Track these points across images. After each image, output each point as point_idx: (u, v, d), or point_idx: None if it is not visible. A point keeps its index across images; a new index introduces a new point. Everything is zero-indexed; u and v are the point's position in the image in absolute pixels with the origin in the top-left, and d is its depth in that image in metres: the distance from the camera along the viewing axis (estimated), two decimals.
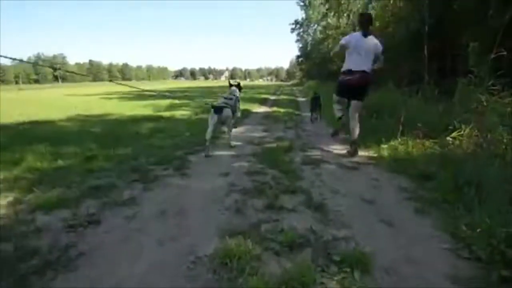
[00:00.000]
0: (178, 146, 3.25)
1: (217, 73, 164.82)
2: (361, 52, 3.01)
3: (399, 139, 3.39)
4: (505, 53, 3.27)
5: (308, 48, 33.11)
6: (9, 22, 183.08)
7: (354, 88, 3.11)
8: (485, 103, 3.14)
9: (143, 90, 3.34)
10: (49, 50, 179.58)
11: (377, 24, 13.82)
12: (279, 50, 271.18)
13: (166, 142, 3.42)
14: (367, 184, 2.21)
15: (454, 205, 1.79)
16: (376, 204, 1.85)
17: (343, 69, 3.21)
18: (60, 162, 2.44)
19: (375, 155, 3.18)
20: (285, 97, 13.55)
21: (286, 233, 1.41)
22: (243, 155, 2.98)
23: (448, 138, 3.10)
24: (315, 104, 5.38)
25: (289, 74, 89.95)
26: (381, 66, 3.27)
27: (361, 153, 3.29)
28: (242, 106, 7.35)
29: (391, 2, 12.65)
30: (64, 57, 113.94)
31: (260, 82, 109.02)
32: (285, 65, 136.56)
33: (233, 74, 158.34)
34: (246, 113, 6.64)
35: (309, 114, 5.90)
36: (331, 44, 24.27)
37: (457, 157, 2.52)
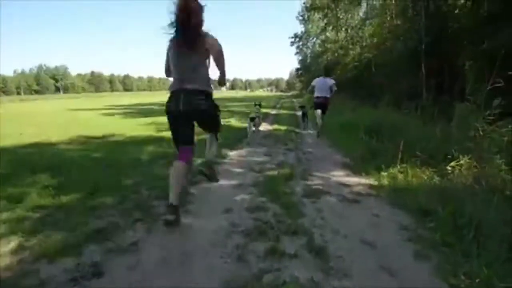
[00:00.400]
0: None
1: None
2: (322, 87, 5.75)
3: (399, 167, 3.42)
4: (502, 84, 3.33)
5: (308, 61, 33.65)
6: (10, 33, 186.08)
7: (321, 104, 5.85)
8: (481, 133, 3.20)
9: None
10: (51, 61, 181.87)
11: (375, 40, 14.10)
12: (279, 61, 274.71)
13: (167, 170, 3.45)
14: (368, 222, 2.22)
15: (453, 248, 1.80)
16: (377, 247, 1.86)
17: (315, 95, 5.88)
18: (63, 198, 2.46)
19: (376, 183, 3.21)
20: (285, 111, 13.68)
21: (288, 286, 1.43)
22: (245, 185, 3.01)
23: (447, 167, 3.14)
24: (304, 115, 7.91)
25: (289, 85, 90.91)
26: (336, 89, 5.95)
27: (362, 180, 3.33)
28: (243, 123, 7.48)
29: (388, 19, 12.96)
30: (66, 69, 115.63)
31: (260, 92, 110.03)
32: (285, 75, 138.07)
33: (233, 84, 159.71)
34: (245, 132, 6.68)
35: (308, 131, 7.37)
36: (330, 57, 24.72)
37: (456, 191, 2.54)
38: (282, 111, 13.70)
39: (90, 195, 2.57)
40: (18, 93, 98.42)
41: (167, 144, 4.99)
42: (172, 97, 2.19)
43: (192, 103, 2.14)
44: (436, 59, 8.62)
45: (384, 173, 3.36)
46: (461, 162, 3.03)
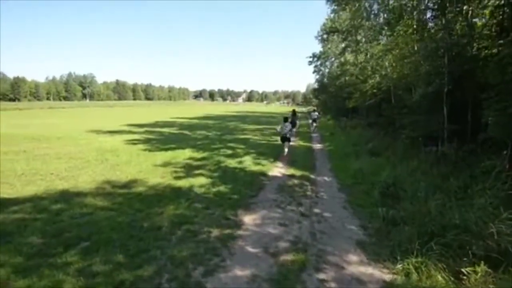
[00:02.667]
0: (197, 257, 3.44)
1: (234, 95, 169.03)
2: (313, 115, 21.22)
3: (414, 260, 3.41)
4: None
5: (325, 80, 33.64)
6: (43, 42, 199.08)
7: (314, 120, 20.21)
8: (495, 236, 3.17)
9: None
10: (80, 70, 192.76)
11: (394, 76, 13.99)
12: (296, 73, 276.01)
13: (186, 247, 3.64)
14: None
15: None
16: None
17: (312, 118, 20.93)
18: None
19: (389, 278, 3.24)
20: (302, 143, 13.71)
21: None
22: (259, 278, 3.11)
23: (463, 270, 3.11)
24: (314, 120, 20.13)
25: (306, 99, 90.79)
26: (319, 116, 25.29)
27: (376, 272, 3.37)
28: (263, 165, 7.74)
29: (410, 52, 12.82)
30: (93, 77, 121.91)
31: (276, 106, 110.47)
32: (302, 88, 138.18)
33: (250, 96, 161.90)
34: (260, 181, 6.85)
35: (324, 178, 7.59)
36: (348, 78, 24.64)
37: None
38: (298, 143, 13.75)
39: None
40: (48, 99, 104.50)
41: (184, 201, 5.22)
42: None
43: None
44: (458, 105, 8.46)
45: (399, 266, 3.38)
46: (478, 269, 3.00)
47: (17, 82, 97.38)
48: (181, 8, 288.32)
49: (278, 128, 10.15)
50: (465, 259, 3.20)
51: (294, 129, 13.52)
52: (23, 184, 6.12)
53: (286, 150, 9.79)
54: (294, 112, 15.55)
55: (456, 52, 8.92)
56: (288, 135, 9.74)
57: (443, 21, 9.47)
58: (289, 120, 10.72)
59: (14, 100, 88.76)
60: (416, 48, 11.90)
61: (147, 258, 3.35)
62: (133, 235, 3.90)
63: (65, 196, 5.35)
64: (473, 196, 4.86)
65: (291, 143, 11.35)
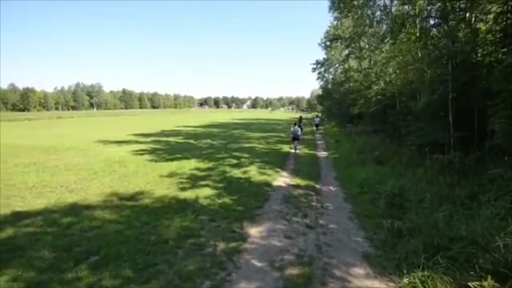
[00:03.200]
0: (203, 271, 3.49)
1: (239, 102, 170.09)
2: (316, 121, 31.53)
3: (420, 274, 3.40)
4: None
5: (329, 86, 33.72)
6: (50, 51, 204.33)
7: (317, 125, 29.74)
8: (502, 250, 3.15)
9: None
10: (87, 80, 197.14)
11: (399, 83, 13.96)
12: (300, 79, 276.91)
13: (192, 261, 3.69)
14: None
15: None
16: None
17: (315, 123, 30.64)
18: None
19: None
20: (307, 151, 13.74)
21: None
22: None
23: (469, 284, 3.10)
24: (317, 125, 29.91)
25: (310, 105, 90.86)
26: (320, 120, 35.02)
27: (381, 286, 3.35)
28: (269, 175, 7.80)
29: (413, 59, 12.83)
30: (100, 86, 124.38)
31: (281, 112, 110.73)
32: (306, 94, 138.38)
33: (254, 103, 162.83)
34: (265, 192, 6.90)
35: (329, 187, 7.55)
36: (353, 85, 24.67)
37: None
38: (304, 151, 13.78)
39: None
40: (57, 108, 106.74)
41: (190, 214, 5.28)
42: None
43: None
44: (464, 112, 8.40)
45: (405, 280, 3.37)
46: (485, 284, 2.98)
47: (27, 93, 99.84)
48: (183, 15, 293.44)
49: (291, 129, 14.23)
50: (472, 272, 3.18)
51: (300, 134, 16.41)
52: (34, 197, 6.27)
53: (294, 147, 13.23)
54: (300, 118, 20.06)
55: (459, 59, 8.90)
56: (297, 135, 13.42)
57: (446, 29, 9.50)
58: (298, 124, 14.31)
59: (24, 110, 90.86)
60: (420, 55, 11.91)
61: (154, 273, 3.41)
62: (140, 248, 3.97)
63: (75, 209, 5.47)
64: (480, 206, 4.83)
65: (296, 151, 11.71)
